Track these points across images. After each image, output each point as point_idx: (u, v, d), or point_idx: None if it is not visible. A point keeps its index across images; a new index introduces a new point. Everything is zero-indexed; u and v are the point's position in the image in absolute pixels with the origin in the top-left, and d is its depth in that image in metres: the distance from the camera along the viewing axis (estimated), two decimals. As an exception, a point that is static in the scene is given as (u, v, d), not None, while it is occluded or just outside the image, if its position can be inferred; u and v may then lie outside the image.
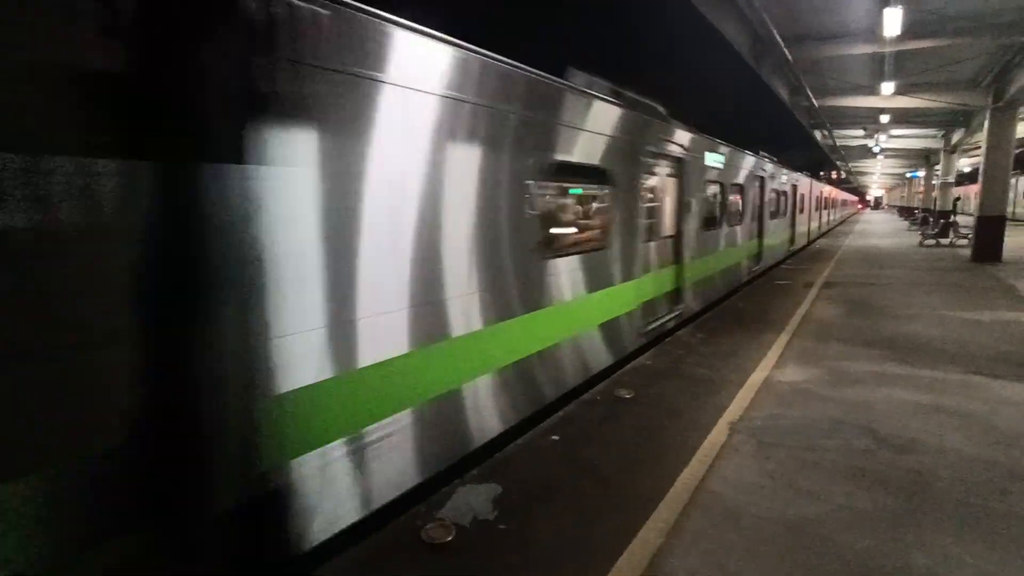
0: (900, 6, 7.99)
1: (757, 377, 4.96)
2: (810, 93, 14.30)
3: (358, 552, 2.53)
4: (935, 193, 25.29)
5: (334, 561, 2.46)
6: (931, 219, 21.42)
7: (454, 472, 3.19)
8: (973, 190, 22.52)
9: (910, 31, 9.52)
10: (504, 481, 3.14)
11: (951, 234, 18.21)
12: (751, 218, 10.61)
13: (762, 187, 11.38)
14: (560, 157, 4.16)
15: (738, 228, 9.73)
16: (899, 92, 13.73)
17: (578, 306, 4.52)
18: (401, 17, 2.71)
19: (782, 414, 4.10)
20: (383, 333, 2.71)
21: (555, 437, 3.75)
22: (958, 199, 21.95)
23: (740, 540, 2.58)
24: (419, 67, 2.84)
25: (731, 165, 8.85)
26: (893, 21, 8.24)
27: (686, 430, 3.84)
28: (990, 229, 13.22)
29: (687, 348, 6.04)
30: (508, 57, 3.51)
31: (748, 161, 10.09)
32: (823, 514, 2.79)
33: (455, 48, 3.07)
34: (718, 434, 3.76)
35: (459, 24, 3.38)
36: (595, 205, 5.12)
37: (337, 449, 2.50)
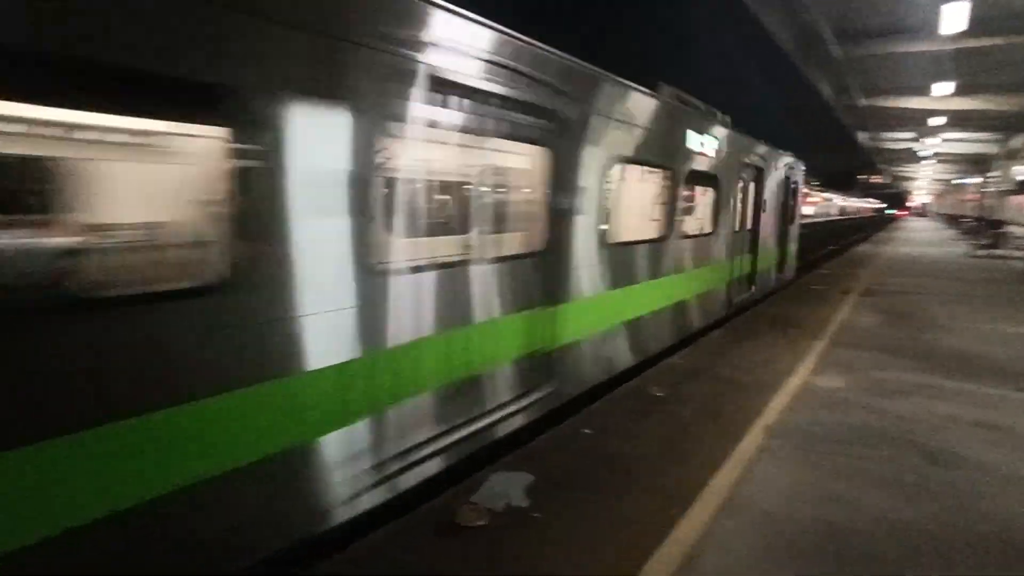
0: (965, 0, 7.57)
1: (794, 383, 4.83)
2: (857, 92, 13.75)
3: (393, 529, 2.59)
4: (989, 201, 23.97)
5: (370, 537, 2.53)
6: (983, 228, 20.37)
7: None
8: (1031, 199, 21.28)
9: (972, 27, 9.02)
10: (536, 471, 3.16)
11: (1004, 244, 17.32)
12: (732, 227, 7.48)
13: (758, 182, 8.34)
14: None
15: (712, 241, 6.84)
16: (956, 93, 13.06)
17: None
18: None
19: (820, 421, 3.99)
20: None
21: (587, 431, 3.75)
22: None
23: (775, 545, 2.54)
24: None
25: (690, 140, 5.83)
26: (955, 17, 7.81)
27: (720, 431, 3.78)
28: (1049, 240, 12.51)
29: (721, 351, 5.93)
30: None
31: (725, 138, 6.76)
32: (860, 524, 2.71)
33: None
34: (753, 437, 3.68)
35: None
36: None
37: None
